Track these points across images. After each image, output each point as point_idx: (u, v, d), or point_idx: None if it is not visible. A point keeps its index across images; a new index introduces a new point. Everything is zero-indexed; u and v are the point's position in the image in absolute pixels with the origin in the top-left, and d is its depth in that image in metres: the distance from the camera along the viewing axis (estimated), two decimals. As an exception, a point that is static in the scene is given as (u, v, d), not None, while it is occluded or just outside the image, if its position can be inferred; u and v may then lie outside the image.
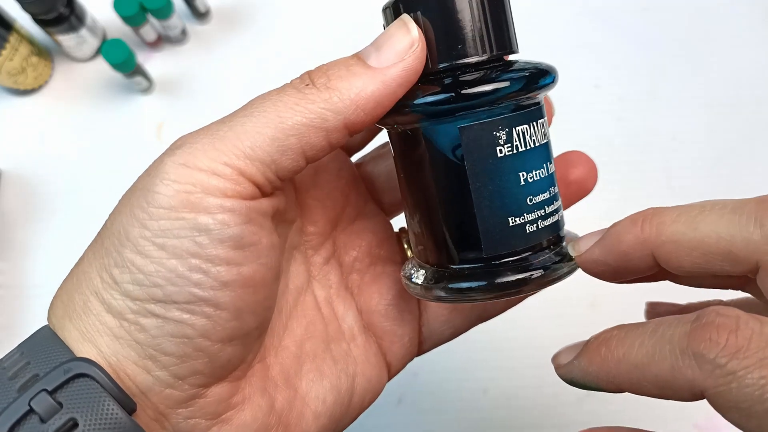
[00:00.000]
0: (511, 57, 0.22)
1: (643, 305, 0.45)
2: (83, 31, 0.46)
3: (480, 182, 0.19)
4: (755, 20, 0.51)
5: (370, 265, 0.26)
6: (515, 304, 0.26)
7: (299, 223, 0.24)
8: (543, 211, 0.20)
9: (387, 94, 0.19)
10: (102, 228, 0.20)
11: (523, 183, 0.20)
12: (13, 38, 0.44)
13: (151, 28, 0.47)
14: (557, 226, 0.21)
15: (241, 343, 0.20)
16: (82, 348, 0.18)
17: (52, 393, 0.17)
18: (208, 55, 0.50)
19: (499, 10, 0.21)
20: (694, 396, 0.17)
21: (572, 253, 0.20)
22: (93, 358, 0.18)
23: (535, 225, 0.20)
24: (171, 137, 0.47)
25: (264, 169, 0.18)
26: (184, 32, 0.49)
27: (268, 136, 0.18)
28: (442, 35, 0.19)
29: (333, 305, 0.25)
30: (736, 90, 0.49)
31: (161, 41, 0.49)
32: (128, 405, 0.17)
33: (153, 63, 0.49)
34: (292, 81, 0.19)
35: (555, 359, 0.21)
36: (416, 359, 0.44)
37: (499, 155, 0.19)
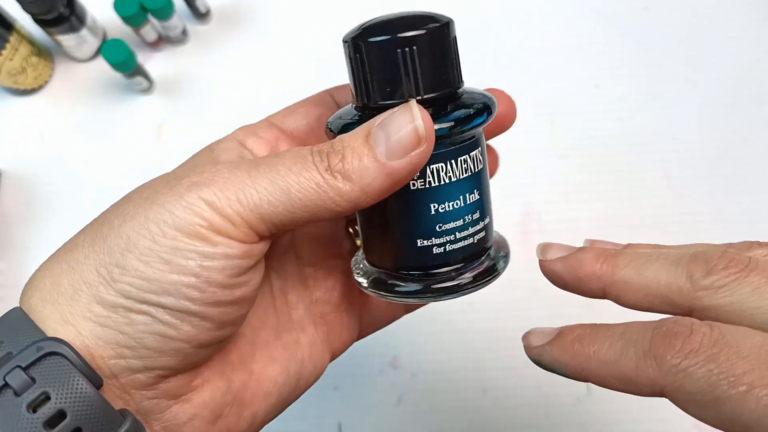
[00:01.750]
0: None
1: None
2: (83, 32, 0.46)
3: (395, 208, 0.23)
4: (755, 20, 0.51)
5: (325, 259, 0.27)
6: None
7: None
8: (453, 236, 0.23)
9: (393, 184, 0.21)
10: (104, 222, 0.21)
11: (433, 213, 0.23)
12: (13, 38, 0.44)
13: (151, 29, 0.47)
14: (472, 247, 0.24)
15: (215, 347, 0.22)
16: (60, 329, 0.20)
17: (25, 369, 0.18)
18: (208, 56, 0.50)
19: (432, 53, 0.22)
20: (653, 392, 0.19)
21: (539, 255, 0.24)
22: (70, 340, 0.19)
23: (442, 248, 0.23)
24: (171, 137, 0.47)
25: (272, 227, 0.21)
26: (184, 32, 0.49)
27: (285, 208, 0.20)
28: (379, 77, 0.22)
29: (287, 295, 0.27)
30: (735, 90, 0.49)
31: (161, 41, 0.49)
32: (96, 381, 0.19)
33: (153, 63, 0.49)
34: (313, 154, 0.21)
35: (525, 339, 0.24)
36: (416, 359, 0.44)
37: (412, 188, 0.22)
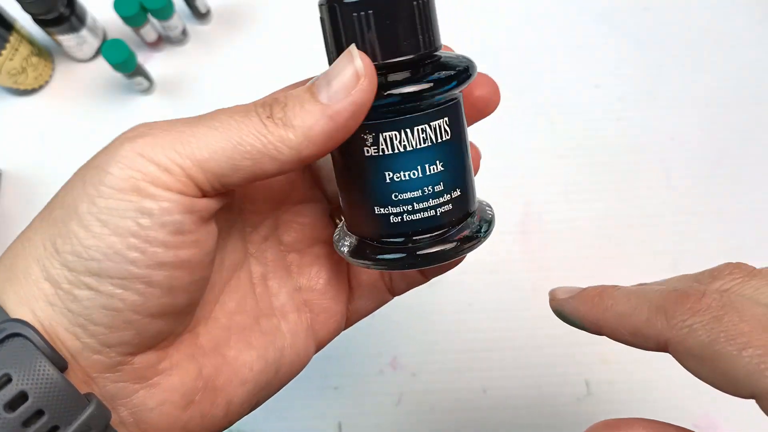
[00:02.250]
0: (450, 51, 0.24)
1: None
2: (84, 32, 0.46)
3: (353, 175, 0.23)
4: (754, 21, 0.51)
5: (310, 245, 0.27)
6: (425, 281, 0.29)
7: (237, 202, 0.25)
8: (411, 206, 0.23)
9: (337, 128, 0.20)
10: (53, 198, 0.21)
11: (388, 181, 0.22)
12: (13, 38, 0.44)
13: (151, 29, 0.47)
14: (435, 219, 0.23)
15: (170, 317, 0.21)
16: (19, 311, 0.19)
17: None
18: (208, 56, 0.50)
19: (392, 17, 0.21)
20: (658, 346, 0.20)
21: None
22: (30, 321, 0.19)
23: (399, 217, 0.23)
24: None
25: (213, 179, 0.20)
26: (184, 33, 0.49)
27: (225, 154, 0.19)
28: (338, 41, 0.22)
29: (267, 282, 0.26)
30: (735, 90, 0.49)
31: (162, 41, 0.49)
32: (60, 363, 0.19)
33: (153, 63, 0.49)
34: (256, 106, 0.21)
35: (552, 292, 0.25)
36: (416, 359, 0.44)
37: (366, 154, 0.22)
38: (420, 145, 0.22)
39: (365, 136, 0.22)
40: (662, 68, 0.50)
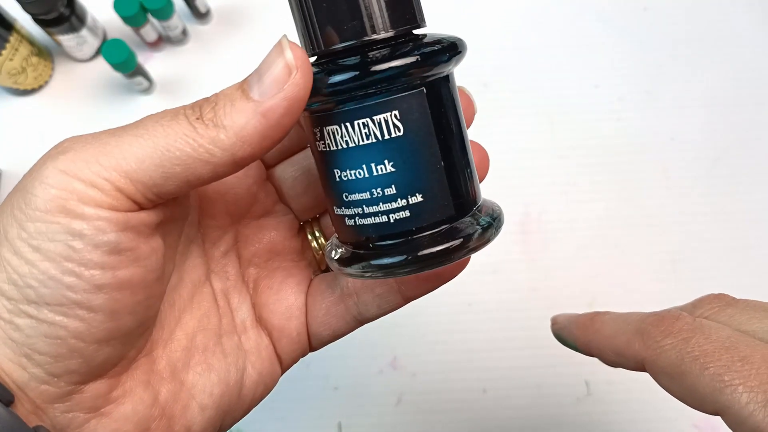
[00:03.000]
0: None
1: (640, 306, 0.45)
2: (83, 32, 0.46)
3: (318, 172, 0.22)
4: (754, 21, 0.51)
5: (268, 260, 0.26)
6: (401, 304, 0.28)
7: (195, 217, 0.24)
8: (360, 209, 0.21)
9: (271, 126, 0.19)
10: None
11: (338, 179, 0.21)
12: (13, 38, 0.44)
13: (151, 29, 0.47)
14: (388, 227, 0.21)
15: (119, 342, 0.20)
16: None
17: None
18: (208, 56, 0.50)
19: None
20: (637, 365, 0.23)
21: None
22: None
23: (353, 220, 0.21)
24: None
25: (144, 190, 0.19)
26: (184, 32, 0.49)
27: (153, 162, 0.18)
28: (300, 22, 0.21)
29: (229, 298, 0.25)
30: (734, 90, 0.49)
31: (162, 41, 0.49)
32: (5, 397, 0.18)
33: (153, 63, 0.49)
34: (185, 108, 0.19)
35: (553, 318, 0.28)
36: (416, 359, 0.44)
37: (318, 150, 0.21)
38: (363, 141, 0.20)
39: (315, 130, 0.21)
40: (662, 68, 0.50)
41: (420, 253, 0.20)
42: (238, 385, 0.24)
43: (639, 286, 0.46)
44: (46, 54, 0.48)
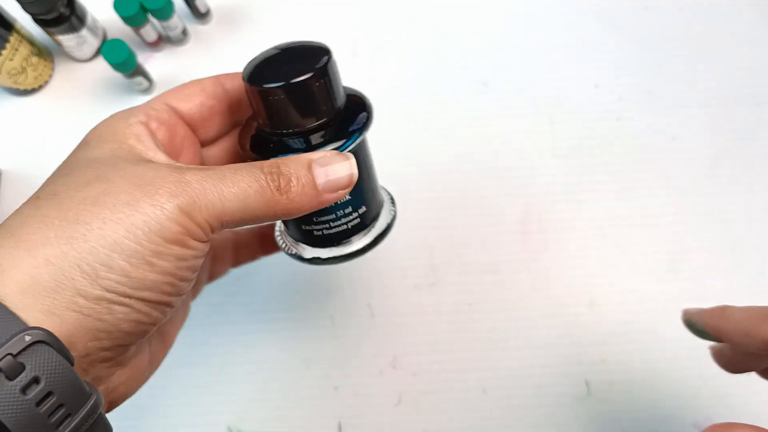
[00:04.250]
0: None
1: (640, 306, 0.45)
2: (83, 32, 0.46)
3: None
4: (754, 20, 0.51)
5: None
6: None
7: None
8: (328, 225, 0.30)
9: (320, 207, 0.27)
10: (77, 221, 0.23)
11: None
12: (13, 38, 0.44)
13: (151, 29, 0.47)
14: (346, 232, 0.31)
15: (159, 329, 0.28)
16: (45, 319, 0.22)
17: (15, 356, 0.20)
18: (208, 56, 0.50)
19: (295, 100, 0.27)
20: (764, 344, 0.26)
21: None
22: (54, 329, 0.21)
23: (320, 232, 0.30)
24: (171, 137, 0.47)
25: (224, 233, 0.25)
26: (184, 32, 0.49)
27: (240, 216, 0.25)
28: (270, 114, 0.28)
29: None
30: (735, 90, 0.50)
31: (162, 41, 0.50)
32: (70, 360, 0.21)
33: (153, 63, 0.49)
34: (266, 175, 0.25)
35: (684, 310, 0.32)
36: (416, 359, 0.44)
37: None
38: None
39: None
40: (662, 68, 0.50)
41: (375, 238, 0.31)
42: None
43: (639, 286, 0.46)
44: (46, 54, 0.48)
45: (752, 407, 0.44)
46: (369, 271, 0.46)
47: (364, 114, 0.29)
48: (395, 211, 0.33)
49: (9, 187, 0.47)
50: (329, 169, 0.26)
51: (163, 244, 0.23)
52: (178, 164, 0.26)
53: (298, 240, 0.31)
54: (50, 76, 0.49)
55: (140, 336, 0.24)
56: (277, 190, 0.25)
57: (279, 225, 0.33)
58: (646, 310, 0.45)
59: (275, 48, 0.29)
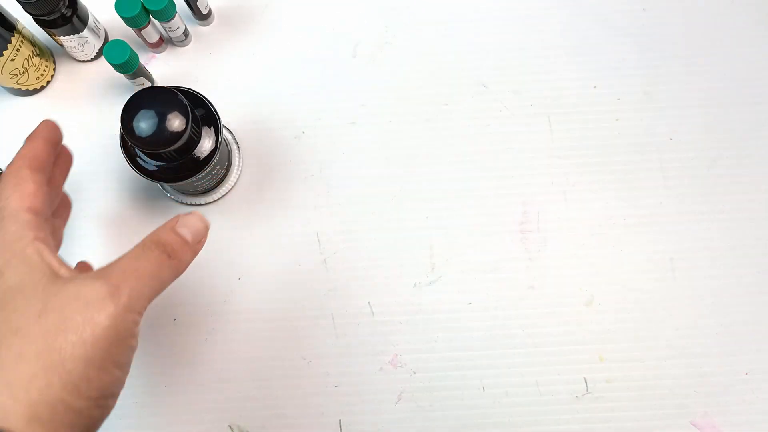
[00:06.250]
0: None
1: (638, 305, 0.46)
2: (85, 33, 0.46)
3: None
4: (752, 21, 0.51)
5: None
6: None
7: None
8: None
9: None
10: (49, 349, 0.26)
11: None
12: (15, 39, 0.44)
13: (153, 30, 0.47)
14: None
15: None
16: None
17: None
18: (210, 56, 0.50)
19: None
20: None
21: None
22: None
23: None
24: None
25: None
26: (186, 33, 0.49)
27: (159, 291, 0.31)
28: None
29: None
30: (732, 90, 0.50)
31: (163, 42, 0.50)
32: None
33: (155, 64, 0.50)
34: (157, 250, 0.31)
35: None
36: (416, 357, 0.44)
37: None
38: None
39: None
40: (660, 68, 0.50)
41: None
42: None
43: (637, 286, 0.46)
44: (48, 55, 0.49)
45: (750, 405, 0.44)
46: (369, 270, 0.46)
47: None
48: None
49: (11, 187, 0.47)
50: (190, 227, 0.32)
51: (121, 347, 0.28)
52: (93, 274, 0.29)
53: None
54: (52, 76, 0.49)
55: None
56: (169, 257, 0.31)
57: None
58: (644, 309, 0.46)
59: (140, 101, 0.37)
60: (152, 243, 0.31)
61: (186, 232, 0.32)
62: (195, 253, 0.33)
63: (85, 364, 0.26)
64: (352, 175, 0.48)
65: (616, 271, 0.46)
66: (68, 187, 0.47)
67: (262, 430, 0.43)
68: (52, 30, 0.45)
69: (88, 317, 0.27)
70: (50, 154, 0.34)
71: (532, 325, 0.45)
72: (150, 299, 0.29)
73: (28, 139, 0.34)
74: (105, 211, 0.47)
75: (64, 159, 0.37)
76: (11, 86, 0.47)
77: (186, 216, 0.33)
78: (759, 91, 0.50)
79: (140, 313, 0.29)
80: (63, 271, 0.29)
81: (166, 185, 0.46)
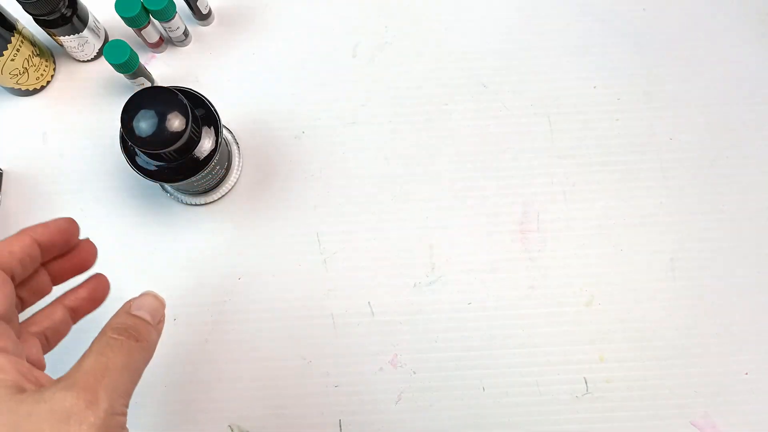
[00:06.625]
0: None
1: (638, 304, 0.46)
2: (85, 33, 0.46)
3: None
4: (751, 22, 0.51)
5: None
6: None
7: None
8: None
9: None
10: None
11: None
12: (15, 39, 0.44)
13: (153, 30, 0.47)
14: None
15: None
16: None
17: None
18: (209, 56, 0.50)
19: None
20: None
21: None
22: None
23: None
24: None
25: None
26: (186, 33, 0.49)
27: (136, 380, 0.29)
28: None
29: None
30: (732, 91, 0.50)
31: (163, 42, 0.50)
32: None
33: (155, 64, 0.50)
34: (122, 336, 0.29)
35: None
36: (416, 357, 0.44)
37: None
38: None
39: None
40: (660, 68, 0.50)
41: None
42: None
43: (637, 285, 0.46)
44: (47, 54, 0.49)
45: (750, 405, 0.44)
46: (369, 270, 0.46)
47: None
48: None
49: (11, 187, 0.47)
50: (147, 309, 0.32)
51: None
52: (62, 385, 0.27)
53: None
54: (52, 76, 0.49)
55: None
56: (137, 341, 0.29)
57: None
58: (644, 309, 0.46)
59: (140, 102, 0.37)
60: (113, 331, 0.29)
61: (143, 313, 0.31)
62: (159, 333, 0.31)
63: None
64: (352, 175, 0.48)
65: (616, 271, 0.46)
66: (68, 187, 0.47)
67: (262, 430, 0.43)
68: (52, 30, 0.45)
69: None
70: (33, 254, 0.31)
71: (532, 325, 0.45)
72: (130, 393, 0.28)
73: (18, 233, 0.32)
74: (105, 212, 0.47)
75: (85, 257, 0.35)
76: (11, 86, 0.47)
77: (139, 298, 0.32)
78: (759, 91, 0.50)
79: (124, 413, 0.27)
80: (28, 385, 0.26)
81: (166, 185, 0.46)
